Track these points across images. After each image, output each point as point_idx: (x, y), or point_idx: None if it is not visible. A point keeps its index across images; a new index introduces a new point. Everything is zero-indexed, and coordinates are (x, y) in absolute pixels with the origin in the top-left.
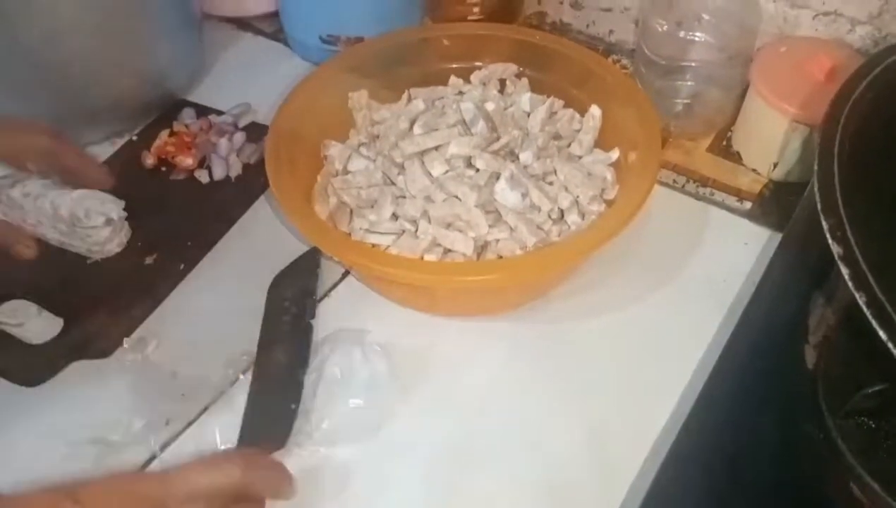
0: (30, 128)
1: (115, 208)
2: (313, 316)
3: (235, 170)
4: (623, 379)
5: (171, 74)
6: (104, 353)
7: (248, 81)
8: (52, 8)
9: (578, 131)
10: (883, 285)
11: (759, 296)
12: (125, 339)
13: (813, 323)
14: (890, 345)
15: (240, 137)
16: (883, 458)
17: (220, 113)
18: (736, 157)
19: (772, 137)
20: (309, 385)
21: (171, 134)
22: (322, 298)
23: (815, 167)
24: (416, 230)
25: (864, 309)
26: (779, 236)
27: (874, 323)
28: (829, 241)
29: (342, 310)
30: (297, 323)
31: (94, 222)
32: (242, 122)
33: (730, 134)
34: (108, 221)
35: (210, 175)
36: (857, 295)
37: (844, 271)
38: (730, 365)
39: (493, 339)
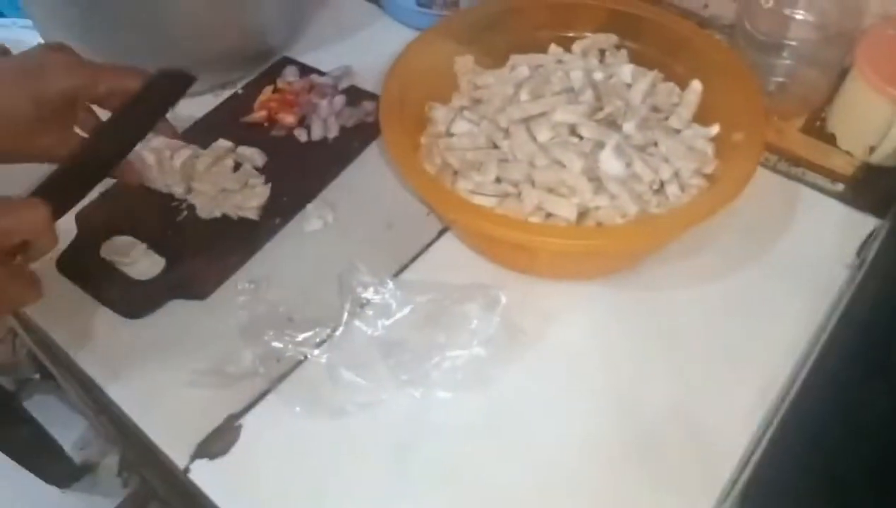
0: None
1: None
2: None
3: (333, 131)
4: (714, 351)
5: (272, 29)
6: (201, 295)
7: (345, 42)
8: None
9: (677, 105)
10: None
11: (866, 280)
12: (235, 282)
13: None
14: None
15: (340, 100)
16: None
17: (321, 73)
18: (829, 138)
19: (873, 120)
20: (437, 327)
21: (275, 90)
22: (419, 254)
23: None
24: (520, 194)
25: None
26: (870, 218)
27: None
28: None
29: (439, 266)
30: None
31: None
32: (342, 85)
33: (824, 115)
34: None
35: (308, 134)
36: None
37: None
38: (837, 345)
39: (587, 302)
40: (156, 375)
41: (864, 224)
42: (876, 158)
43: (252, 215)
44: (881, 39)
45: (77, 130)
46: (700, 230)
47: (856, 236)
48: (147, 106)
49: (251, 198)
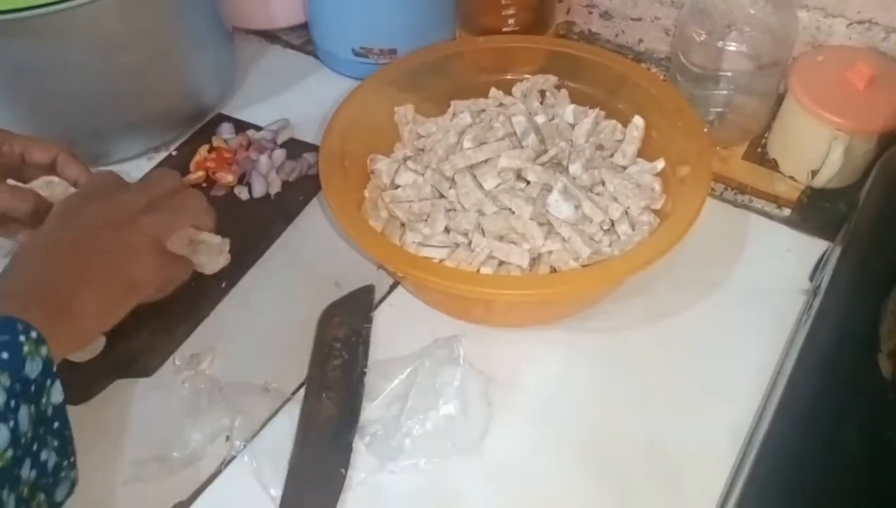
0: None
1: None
2: (366, 367)
3: (275, 187)
4: (680, 387)
5: (206, 87)
6: (147, 372)
7: (281, 95)
8: (93, 24)
9: (621, 141)
10: None
11: (825, 307)
12: (176, 357)
13: (884, 331)
14: None
15: (279, 154)
16: None
17: (257, 128)
18: (772, 164)
19: (811, 145)
20: (399, 397)
21: (211, 149)
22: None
23: None
24: (471, 243)
25: None
26: (819, 241)
27: None
28: None
29: (391, 321)
30: (348, 371)
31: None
32: (281, 139)
33: (764, 141)
34: None
35: (250, 192)
36: None
37: None
38: (801, 377)
39: (548, 348)
40: (94, 475)
41: (815, 248)
42: (818, 182)
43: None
44: (812, 66)
45: None
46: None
47: (807, 261)
48: None
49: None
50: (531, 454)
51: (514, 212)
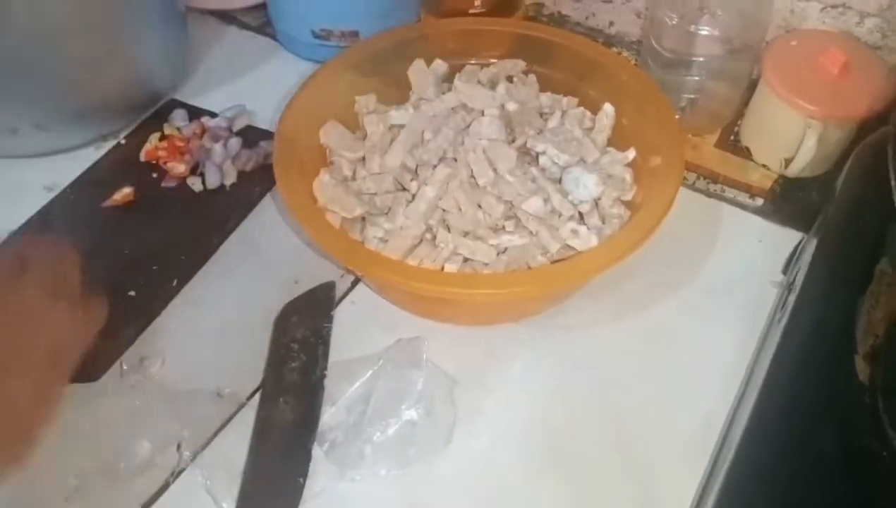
0: None
1: None
2: (325, 369)
3: (231, 177)
4: (652, 384)
5: (157, 71)
6: (91, 377)
7: (238, 79)
8: (32, 6)
9: (591, 130)
10: None
11: (800, 304)
12: (123, 361)
13: (860, 332)
14: None
15: (235, 143)
16: None
17: (213, 115)
18: (745, 153)
19: (784, 133)
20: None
21: (162, 137)
22: (332, 312)
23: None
24: (435, 239)
25: None
26: (793, 232)
27: None
28: None
29: (353, 319)
30: (306, 374)
31: None
32: (237, 126)
33: (737, 128)
34: None
35: (203, 183)
36: None
37: None
38: (777, 377)
39: (516, 346)
40: (34, 487)
41: (788, 239)
42: (792, 171)
43: None
44: (785, 51)
45: None
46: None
47: (781, 252)
48: None
49: None
50: (499, 456)
51: (480, 206)
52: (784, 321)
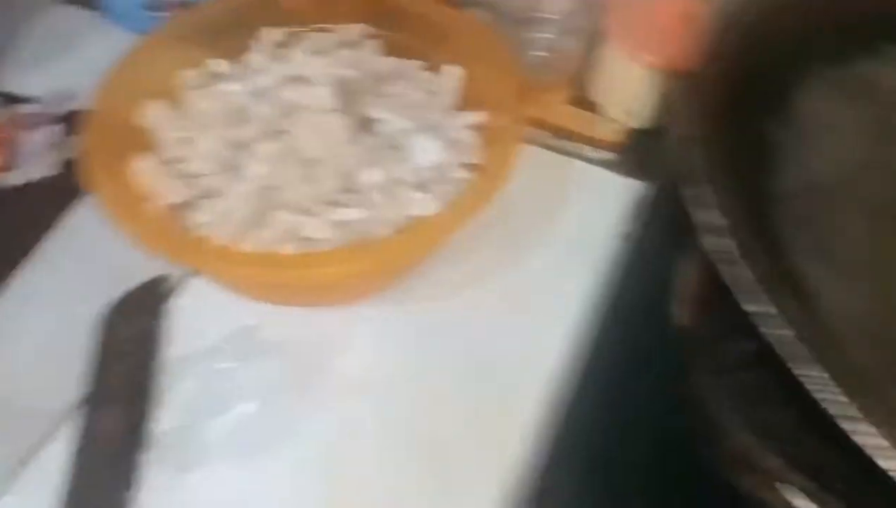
0: None
1: None
2: (156, 369)
3: (53, 169)
4: (501, 356)
5: None
6: None
7: (60, 59)
8: None
9: (436, 94)
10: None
11: (627, 256)
12: None
13: (678, 281)
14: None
15: (57, 131)
16: (757, 412)
17: (31, 100)
18: (594, 108)
19: (626, 85)
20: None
21: None
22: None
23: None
24: (267, 218)
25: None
26: (640, 184)
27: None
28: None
29: (189, 313)
30: (134, 377)
31: None
32: (61, 111)
33: (586, 84)
34: None
35: (21, 175)
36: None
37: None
38: (605, 328)
39: (362, 327)
40: None
41: (636, 190)
42: (636, 122)
43: None
44: (627, 4)
45: None
46: (474, 222)
47: (630, 206)
48: None
49: None
50: (349, 440)
51: (316, 181)
52: (619, 270)
